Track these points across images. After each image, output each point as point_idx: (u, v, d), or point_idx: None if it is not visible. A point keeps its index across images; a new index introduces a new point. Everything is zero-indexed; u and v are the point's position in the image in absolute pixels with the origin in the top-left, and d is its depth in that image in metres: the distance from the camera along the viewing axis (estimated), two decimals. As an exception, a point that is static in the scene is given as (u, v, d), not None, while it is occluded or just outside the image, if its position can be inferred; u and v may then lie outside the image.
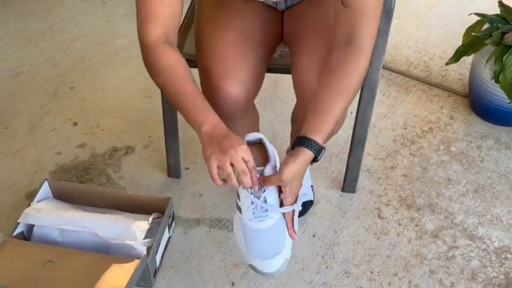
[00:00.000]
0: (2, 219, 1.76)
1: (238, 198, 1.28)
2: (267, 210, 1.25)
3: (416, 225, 1.75)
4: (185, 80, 1.26)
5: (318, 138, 1.22)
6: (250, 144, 1.27)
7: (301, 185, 1.28)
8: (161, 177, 1.90)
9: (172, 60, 1.27)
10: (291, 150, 1.26)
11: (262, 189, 1.23)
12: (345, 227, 1.74)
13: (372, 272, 1.63)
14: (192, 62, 1.49)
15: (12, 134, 2.06)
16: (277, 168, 1.24)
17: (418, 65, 2.35)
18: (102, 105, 2.17)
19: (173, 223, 1.73)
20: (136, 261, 1.48)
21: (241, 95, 1.38)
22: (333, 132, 1.35)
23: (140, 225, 1.59)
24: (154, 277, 1.59)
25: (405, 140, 2.02)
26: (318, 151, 1.22)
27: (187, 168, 1.93)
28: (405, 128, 2.06)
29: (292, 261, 1.65)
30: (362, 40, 1.24)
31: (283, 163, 1.22)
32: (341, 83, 1.24)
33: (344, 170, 1.82)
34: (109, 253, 1.56)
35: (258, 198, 1.24)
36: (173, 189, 1.86)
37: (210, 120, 1.22)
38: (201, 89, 1.33)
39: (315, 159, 1.24)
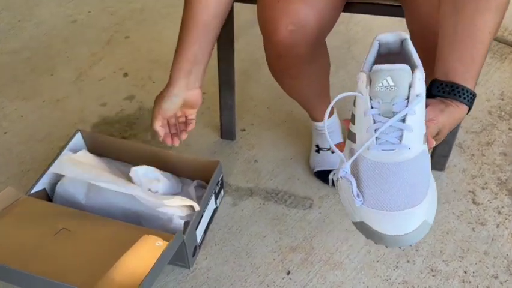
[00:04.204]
0: (32, 173, 1.32)
1: (354, 105, 0.71)
2: (402, 134, 0.67)
3: (520, 216, 1.20)
4: None
5: (471, 83, 0.72)
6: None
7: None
8: (213, 138, 1.41)
9: None
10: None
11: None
12: (432, 212, 1.21)
13: (465, 272, 1.10)
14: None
15: (58, 81, 1.61)
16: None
17: (514, 30, 1.76)
18: (156, 56, 1.69)
19: (222, 192, 1.24)
20: (170, 237, 1.00)
21: (310, 20, 0.87)
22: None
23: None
24: (193, 256, 1.11)
25: (503, 113, 1.45)
26: (471, 102, 0.73)
27: (243, 130, 1.43)
28: (502, 99, 1.49)
29: (363, 251, 1.13)
30: None
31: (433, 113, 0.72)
32: None
33: (430, 143, 1.29)
34: (140, 224, 1.09)
35: (389, 114, 0.67)
36: (226, 152, 1.37)
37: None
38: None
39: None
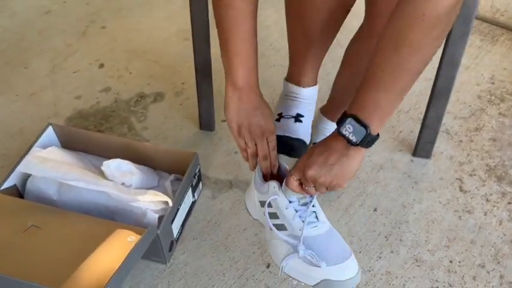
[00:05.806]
0: (4, 169, 1.32)
1: (274, 217, 0.95)
2: (316, 214, 0.94)
3: (509, 203, 1.21)
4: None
5: (372, 121, 0.78)
6: None
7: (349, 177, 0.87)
8: (192, 129, 1.41)
9: None
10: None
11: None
12: (417, 201, 1.22)
13: (451, 261, 1.11)
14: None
15: (32, 74, 1.61)
16: None
17: (506, 11, 1.76)
18: (134, 46, 1.69)
19: (200, 185, 1.25)
20: (143, 231, 1.00)
21: None
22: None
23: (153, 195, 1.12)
24: (169, 251, 1.12)
25: (493, 97, 1.45)
26: (368, 142, 0.81)
27: (224, 121, 1.43)
28: (493, 83, 1.50)
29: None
30: None
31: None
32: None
33: (416, 129, 1.30)
34: (114, 219, 1.10)
35: (305, 205, 0.94)
36: (205, 144, 1.37)
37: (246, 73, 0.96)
38: None
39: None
